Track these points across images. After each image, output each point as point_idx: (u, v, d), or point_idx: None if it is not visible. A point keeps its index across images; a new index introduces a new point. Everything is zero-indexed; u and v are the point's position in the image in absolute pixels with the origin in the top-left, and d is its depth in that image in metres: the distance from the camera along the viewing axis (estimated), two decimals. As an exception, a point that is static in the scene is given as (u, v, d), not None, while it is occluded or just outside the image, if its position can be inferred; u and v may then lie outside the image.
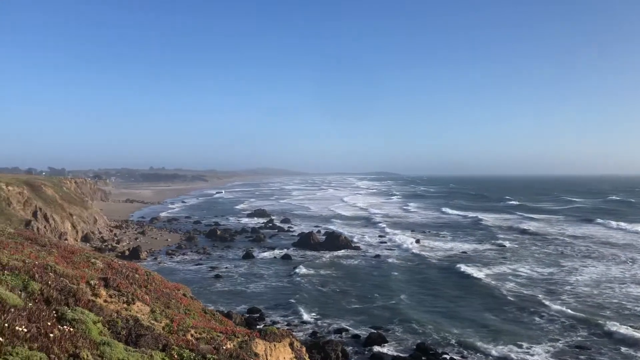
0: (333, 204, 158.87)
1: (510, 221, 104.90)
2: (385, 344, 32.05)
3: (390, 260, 61.11)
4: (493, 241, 75.24)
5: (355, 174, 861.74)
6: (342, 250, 67.18)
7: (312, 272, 54.35)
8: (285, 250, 67.55)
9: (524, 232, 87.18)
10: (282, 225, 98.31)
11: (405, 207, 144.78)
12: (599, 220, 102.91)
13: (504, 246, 70.65)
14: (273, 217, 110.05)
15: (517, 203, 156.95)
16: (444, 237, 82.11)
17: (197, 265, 58.32)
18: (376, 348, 31.51)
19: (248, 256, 62.67)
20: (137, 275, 16.73)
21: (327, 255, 64.35)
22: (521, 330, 34.58)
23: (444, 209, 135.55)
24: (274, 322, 35.85)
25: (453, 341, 32.41)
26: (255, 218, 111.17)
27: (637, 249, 68.53)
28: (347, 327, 35.41)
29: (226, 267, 56.76)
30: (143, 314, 12.41)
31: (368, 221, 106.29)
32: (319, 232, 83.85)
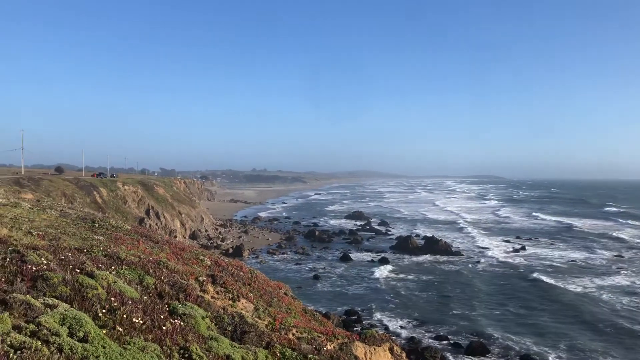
0: (424, 207, 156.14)
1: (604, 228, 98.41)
2: (488, 354, 30.85)
3: (490, 268, 58.81)
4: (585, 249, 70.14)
5: (455, 177, 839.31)
6: (442, 256, 65.59)
7: (410, 276, 53.54)
8: (383, 253, 67.08)
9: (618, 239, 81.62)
10: (379, 228, 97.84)
11: (497, 212, 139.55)
12: None
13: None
14: (371, 220, 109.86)
15: (617, 210, 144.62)
16: (542, 244, 77.64)
17: (296, 264, 59.42)
18: (477, 357, 30.42)
19: (346, 258, 62.92)
20: (241, 273, 17.25)
21: (425, 260, 63.13)
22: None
23: (535, 214, 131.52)
24: (372, 325, 35.62)
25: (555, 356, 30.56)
26: (353, 220, 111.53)
27: None
28: (447, 334, 34.48)
29: (324, 268, 57.35)
30: (247, 311, 12.74)
31: (456, 226, 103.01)
32: (417, 236, 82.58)
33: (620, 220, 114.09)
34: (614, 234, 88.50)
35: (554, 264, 61.19)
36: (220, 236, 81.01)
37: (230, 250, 64.40)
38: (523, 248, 71.60)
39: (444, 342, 33.28)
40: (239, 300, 13.10)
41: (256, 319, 12.19)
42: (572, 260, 63.09)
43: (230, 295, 13.11)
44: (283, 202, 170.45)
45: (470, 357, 30.54)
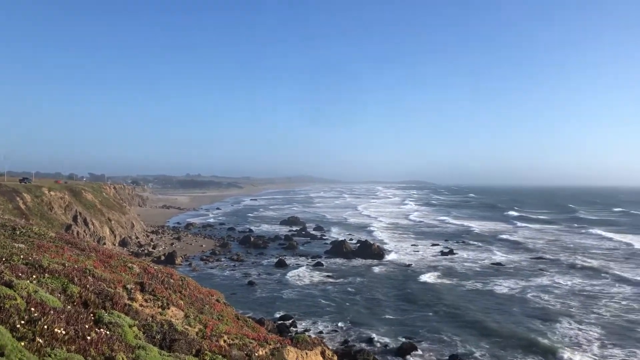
0: (345, 212, 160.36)
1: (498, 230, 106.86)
2: (418, 355, 31.64)
3: (418, 269, 60.44)
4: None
5: (386, 183, 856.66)
6: (375, 259, 66.86)
7: (344, 280, 54.18)
8: (318, 258, 67.54)
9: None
10: (315, 232, 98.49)
11: (410, 216, 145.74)
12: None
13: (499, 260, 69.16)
14: (306, 225, 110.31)
15: (517, 214, 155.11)
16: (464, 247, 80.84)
17: (231, 271, 58.81)
18: (408, 358, 31.14)
19: (281, 263, 62.86)
20: (172, 280, 16.93)
21: (359, 264, 64.13)
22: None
23: (443, 217, 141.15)
24: (306, 330, 35.79)
25: (487, 355, 31.72)
26: (288, 225, 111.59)
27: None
28: (379, 336, 35.09)
29: (259, 274, 57.08)
30: (177, 319, 12.53)
31: (367, 229, 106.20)
32: (351, 240, 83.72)
33: (518, 223, 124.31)
34: (505, 235, 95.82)
35: (475, 265, 63.75)
36: (152, 243, 78.95)
37: (162, 258, 62.92)
38: (451, 252, 74.05)
39: (377, 344, 33.86)
40: (168, 308, 12.87)
41: (186, 327, 12.02)
42: (494, 263, 65.70)
43: (160, 303, 12.85)
44: (218, 208, 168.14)
45: (401, 358, 31.22)
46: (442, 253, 72.95)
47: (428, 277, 55.75)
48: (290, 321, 38.60)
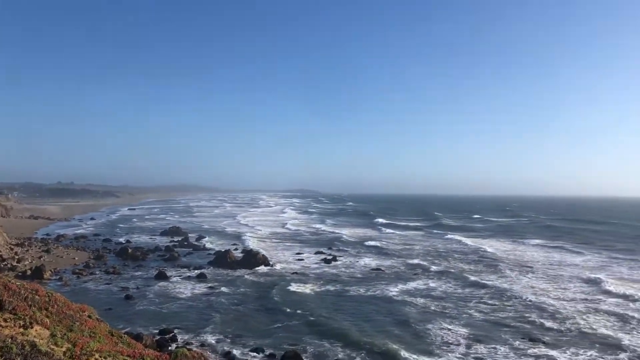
0: (224, 221, 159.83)
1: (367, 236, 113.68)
2: (301, 363, 31.90)
3: (302, 278, 61.28)
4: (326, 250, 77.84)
5: (272, 192, 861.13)
6: (259, 268, 66.68)
7: (227, 290, 53.41)
8: (201, 269, 65.97)
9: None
10: (197, 243, 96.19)
11: (287, 224, 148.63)
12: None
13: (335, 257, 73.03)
14: (188, 235, 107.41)
15: (385, 221, 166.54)
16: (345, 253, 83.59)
17: (106, 285, 55.66)
18: (292, 367, 31.28)
19: (161, 275, 60.57)
20: (37, 297, 15.66)
21: (243, 274, 63.60)
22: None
23: (317, 225, 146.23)
24: (187, 344, 34.71)
25: (366, 355, 32.69)
26: (169, 236, 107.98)
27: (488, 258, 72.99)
28: (263, 346, 34.90)
29: (138, 287, 54.58)
30: (42, 339, 11.59)
31: (241, 237, 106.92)
32: (236, 249, 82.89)
33: (384, 230, 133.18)
34: (372, 242, 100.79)
35: (357, 271, 65.95)
36: (16, 257, 72.58)
37: (29, 272, 58.08)
38: (334, 259, 75.83)
39: (261, 354, 33.67)
40: (32, 327, 11.88)
41: (52, 347, 11.16)
42: (375, 268, 68.25)
43: (22, 322, 11.83)
44: (92, 219, 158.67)
45: (285, 367, 31.29)
46: (325, 260, 74.45)
47: (312, 285, 56.60)
48: (171, 335, 37.25)
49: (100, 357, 11.65)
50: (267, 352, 33.92)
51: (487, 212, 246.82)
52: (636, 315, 42.47)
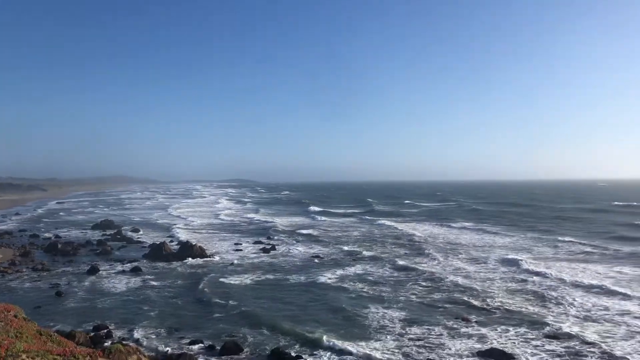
0: (154, 213, 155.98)
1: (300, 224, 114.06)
2: (241, 352, 31.56)
3: (240, 268, 60.75)
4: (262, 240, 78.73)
5: (208, 182, 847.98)
6: (196, 260, 65.44)
7: (163, 283, 52.12)
8: (135, 262, 63.98)
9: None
10: (131, 236, 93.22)
11: (219, 215, 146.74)
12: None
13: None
14: (121, 228, 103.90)
15: (319, 209, 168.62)
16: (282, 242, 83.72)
17: (34, 282, 52.93)
18: (231, 357, 30.88)
19: (94, 270, 58.25)
20: (-44, 298, 14.53)
21: (180, 266, 62.25)
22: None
23: (251, 215, 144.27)
24: (123, 339, 33.56)
25: (307, 343, 32.73)
26: (101, 229, 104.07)
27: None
28: (202, 338, 34.27)
29: (69, 283, 52.26)
30: (-38, 342, 10.71)
31: (174, 230, 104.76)
32: (171, 242, 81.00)
33: (318, 217, 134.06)
34: (306, 230, 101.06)
35: (296, 259, 66.11)
36: None
37: (-52, 273, 54.40)
38: (273, 248, 75.55)
39: (199, 346, 33.05)
40: (-50, 330, 10.95)
41: (-26, 350, 10.32)
42: (314, 256, 68.56)
43: (-61, 325, 10.88)
44: (17, 214, 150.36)
45: (224, 357, 30.85)
46: (264, 250, 74.02)
47: (251, 275, 56.17)
48: (106, 331, 35.90)
49: (28, 357, 10.91)
50: (206, 343, 33.33)
51: (418, 197, 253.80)
52: (553, 293, 44.68)
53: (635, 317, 36.61)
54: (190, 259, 65.75)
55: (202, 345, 33.29)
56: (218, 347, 32.43)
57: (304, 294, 46.80)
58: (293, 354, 30.84)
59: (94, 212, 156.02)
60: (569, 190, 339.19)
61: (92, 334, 34.98)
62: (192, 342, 33.71)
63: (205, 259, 66.65)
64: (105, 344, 31.44)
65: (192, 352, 31.52)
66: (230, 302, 43.90)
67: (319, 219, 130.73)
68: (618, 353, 29.62)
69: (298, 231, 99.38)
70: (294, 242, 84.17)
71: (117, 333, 35.54)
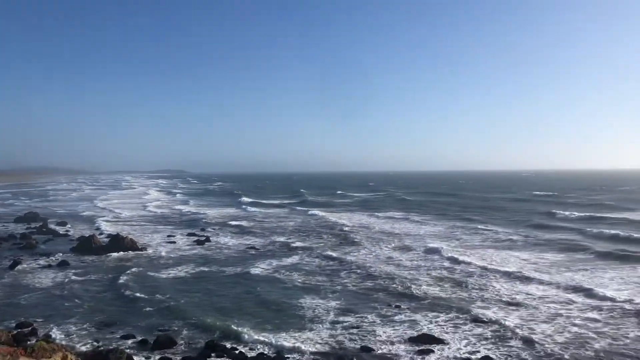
0: (79, 205, 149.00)
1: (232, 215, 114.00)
2: (175, 346, 30.75)
3: (174, 260, 59.27)
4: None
5: (139, 173, 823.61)
6: (127, 253, 63.19)
7: (92, 277, 49.99)
8: (62, 256, 61.01)
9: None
10: (57, 229, 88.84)
11: (148, 207, 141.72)
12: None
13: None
14: (48, 221, 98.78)
15: (250, 200, 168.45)
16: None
17: (-50, 279, 49.42)
18: (165, 351, 30.03)
19: (17, 265, 55.04)
20: None
21: (110, 259, 59.95)
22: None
23: (180, 207, 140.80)
24: (48, 336, 31.85)
25: (241, 335, 32.30)
26: (25, 222, 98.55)
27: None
28: (134, 333, 33.12)
29: (-11, 280, 49.12)
30: None
31: (101, 222, 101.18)
32: (101, 234, 77.89)
33: (249, 208, 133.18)
34: (237, 222, 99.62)
35: (232, 250, 65.35)
36: None
37: None
38: (208, 239, 74.23)
39: (131, 341, 31.93)
40: None
41: None
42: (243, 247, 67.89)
43: None
44: None
45: (157, 351, 29.97)
46: (198, 242, 72.57)
47: (185, 267, 54.91)
48: (30, 328, 33.98)
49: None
50: (138, 338, 32.24)
51: (350, 188, 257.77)
52: (478, 280, 46.55)
53: (554, 302, 38.58)
54: (121, 252, 63.40)
55: (134, 339, 32.17)
56: (151, 342, 31.46)
57: (239, 286, 46.19)
58: (228, 346, 30.40)
59: (16, 205, 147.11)
60: (494, 181, 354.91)
61: (14, 331, 32.92)
62: (124, 337, 32.52)
63: (137, 251, 64.50)
64: (30, 341, 29.76)
65: (124, 347, 30.38)
66: (163, 295, 42.69)
67: (251, 210, 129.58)
68: (539, 335, 31.09)
69: (230, 222, 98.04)
70: (227, 233, 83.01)
71: (42, 330, 33.73)
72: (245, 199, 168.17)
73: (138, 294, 43.11)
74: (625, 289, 42.01)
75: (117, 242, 66.16)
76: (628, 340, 29.89)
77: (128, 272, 52.37)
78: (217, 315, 36.52)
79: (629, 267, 50.66)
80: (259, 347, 30.36)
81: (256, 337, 31.73)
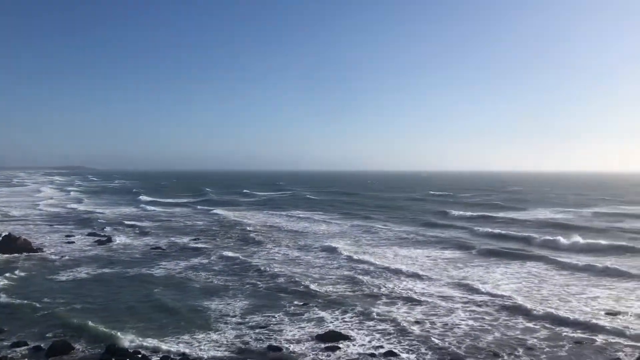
0: None
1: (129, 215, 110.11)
2: (72, 351, 28.71)
3: (74, 262, 55.54)
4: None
5: (38, 169, 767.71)
6: (21, 255, 58.15)
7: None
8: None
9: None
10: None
11: (39, 205, 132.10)
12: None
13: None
14: None
15: (150, 198, 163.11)
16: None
17: None
18: (61, 357, 27.95)
19: None
20: None
21: (1, 262, 55.01)
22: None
23: (74, 205, 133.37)
24: None
25: (144, 337, 30.80)
26: None
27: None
28: (26, 340, 30.50)
29: None
30: None
31: None
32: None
33: (148, 207, 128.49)
34: (132, 222, 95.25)
35: (135, 251, 62.55)
36: None
37: None
38: (109, 240, 70.43)
39: (23, 348, 29.40)
40: None
41: None
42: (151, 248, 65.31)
43: None
44: None
45: (52, 357, 27.85)
46: (99, 242, 68.57)
47: (86, 268, 51.58)
48: None
49: None
50: (31, 344, 29.77)
51: (256, 187, 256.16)
52: (378, 277, 47.72)
53: (447, 297, 40.42)
54: (15, 253, 58.25)
55: (27, 346, 29.66)
56: (45, 347, 29.15)
57: (142, 288, 43.91)
58: (131, 350, 28.84)
59: None
60: (395, 181, 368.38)
61: None
62: (15, 345, 29.84)
63: (32, 252, 59.66)
64: None
65: (15, 355, 27.92)
66: (59, 299, 39.75)
67: (150, 209, 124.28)
68: (438, 330, 32.52)
69: (126, 222, 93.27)
70: (126, 234, 78.79)
71: None
72: (145, 198, 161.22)
73: (32, 298, 39.56)
74: (514, 284, 44.88)
75: (9, 243, 60.81)
76: (517, 332, 31.99)
77: (21, 275, 48.06)
78: (116, 319, 34.56)
79: (517, 264, 53.57)
80: (162, 349, 29.02)
81: (158, 340, 30.32)
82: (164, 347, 29.38)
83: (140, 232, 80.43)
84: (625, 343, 29.17)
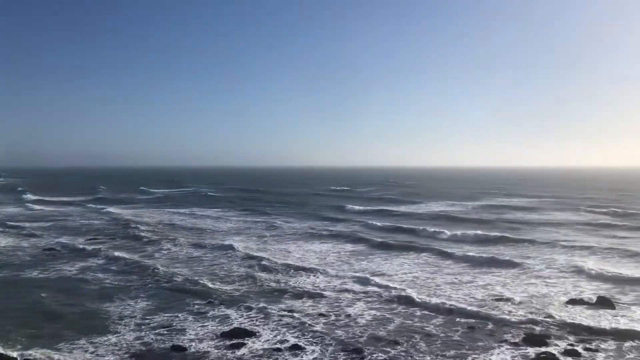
0: None
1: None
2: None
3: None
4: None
5: None
6: None
7: None
8: None
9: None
10: None
11: None
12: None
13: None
14: None
15: (36, 197, 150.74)
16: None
17: None
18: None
19: None
20: None
21: None
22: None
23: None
24: None
25: (34, 349, 28.34)
26: None
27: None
28: None
29: None
30: None
31: None
32: None
33: (34, 207, 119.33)
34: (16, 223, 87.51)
35: (24, 253, 57.69)
36: None
37: None
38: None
39: None
40: None
41: None
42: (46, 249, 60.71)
43: None
44: None
45: None
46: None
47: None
48: None
49: None
50: None
51: (156, 184, 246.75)
52: (282, 273, 47.82)
53: (349, 289, 41.18)
54: None
55: None
56: None
57: (32, 293, 40.46)
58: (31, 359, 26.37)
59: None
60: (297, 176, 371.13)
61: None
62: None
63: None
64: None
65: None
66: None
67: (36, 208, 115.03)
68: (342, 321, 33.12)
69: (8, 223, 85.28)
70: (10, 235, 71.99)
71: None
72: (30, 197, 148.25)
73: None
74: (411, 274, 46.73)
75: None
76: (415, 320, 33.30)
77: None
78: (1, 329, 31.57)
79: (413, 255, 55.98)
80: (53, 359, 26.84)
81: (50, 349, 28.03)
82: (56, 356, 27.11)
83: (27, 234, 74.04)
84: (513, 325, 31.42)
